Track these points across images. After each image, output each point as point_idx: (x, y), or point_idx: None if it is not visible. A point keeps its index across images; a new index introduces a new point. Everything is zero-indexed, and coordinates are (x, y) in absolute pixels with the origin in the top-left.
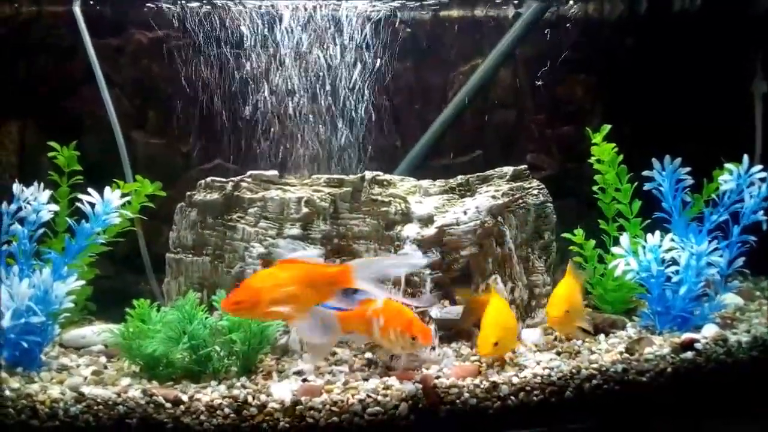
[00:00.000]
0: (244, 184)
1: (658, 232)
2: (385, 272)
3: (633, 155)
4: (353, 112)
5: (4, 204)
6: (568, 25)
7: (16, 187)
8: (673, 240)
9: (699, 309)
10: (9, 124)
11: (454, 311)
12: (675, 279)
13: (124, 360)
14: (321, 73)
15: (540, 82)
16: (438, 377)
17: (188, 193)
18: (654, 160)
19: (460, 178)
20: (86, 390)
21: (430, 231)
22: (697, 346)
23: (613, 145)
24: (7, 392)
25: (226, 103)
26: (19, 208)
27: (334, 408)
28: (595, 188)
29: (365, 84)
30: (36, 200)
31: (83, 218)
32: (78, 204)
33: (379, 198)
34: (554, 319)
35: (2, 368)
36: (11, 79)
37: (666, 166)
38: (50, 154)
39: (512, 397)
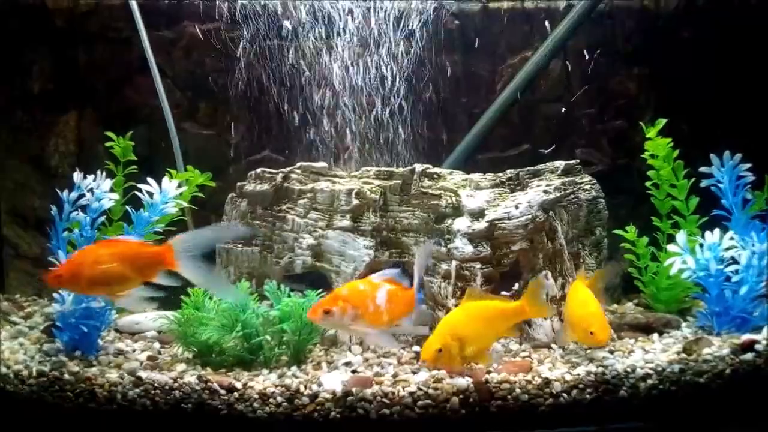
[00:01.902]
0: (293, 176)
1: (717, 230)
2: (208, 243)
3: (689, 150)
4: (401, 105)
5: (65, 191)
6: (621, 16)
7: (77, 176)
8: (732, 238)
9: (759, 310)
10: (67, 114)
11: None
12: (735, 279)
13: (177, 346)
14: (369, 66)
15: (591, 76)
16: (489, 372)
17: (239, 183)
18: (712, 155)
19: (510, 172)
20: (144, 374)
21: (481, 225)
22: (758, 347)
23: (669, 139)
24: (66, 375)
25: (275, 96)
26: (80, 196)
27: (384, 400)
28: (648, 184)
29: (413, 76)
30: (98, 188)
31: (137, 207)
32: (136, 193)
33: (430, 191)
34: (426, 359)
35: (62, 352)
36: (70, 70)
37: (725, 162)
38: (107, 144)
39: (564, 395)
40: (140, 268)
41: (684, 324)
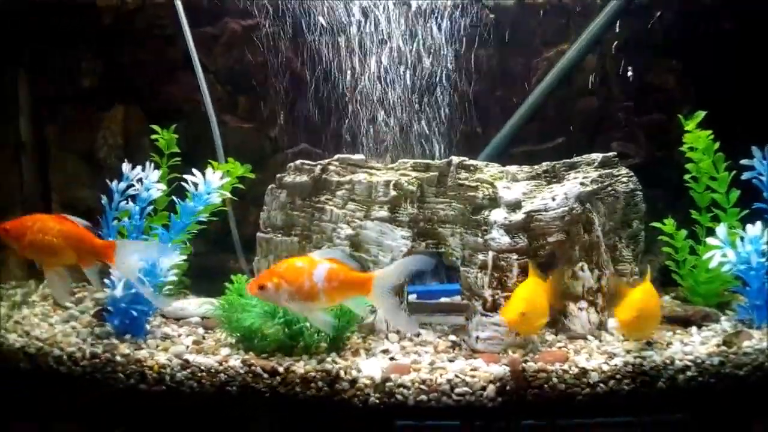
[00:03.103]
0: (331, 168)
1: (759, 223)
2: (145, 255)
3: (728, 143)
4: (436, 98)
5: (115, 182)
6: (659, 8)
7: (125, 167)
8: None
9: None
10: (115, 108)
11: None
12: None
13: (220, 331)
14: (405, 59)
15: (629, 69)
16: (525, 361)
17: (278, 175)
18: (754, 148)
19: (546, 165)
20: (190, 357)
21: (518, 216)
22: None
23: (710, 132)
24: (118, 357)
25: (312, 89)
26: (128, 186)
27: (422, 386)
28: (687, 177)
29: (448, 70)
30: (147, 178)
31: (180, 198)
32: (182, 183)
33: (466, 183)
34: (510, 321)
35: (113, 335)
36: (117, 66)
37: (767, 154)
38: (152, 137)
39: (602, 385)
40: (81, 251)
41: (723, 317)
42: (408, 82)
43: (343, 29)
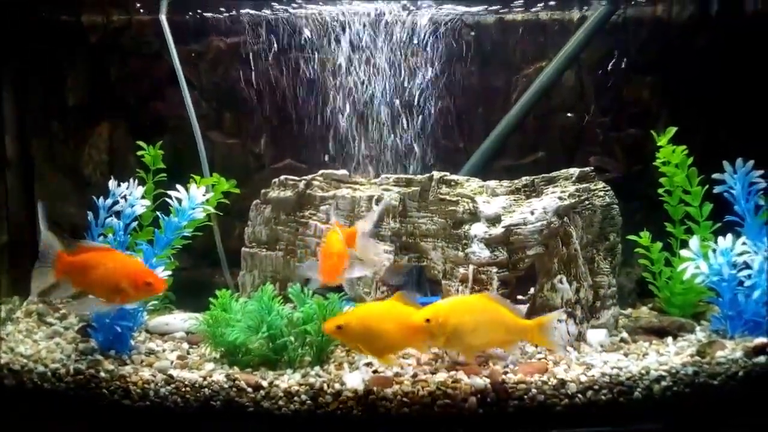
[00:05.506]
0: (315, 183)
1: (730, 235)
2: None
3: (702, 158)
4: (418, 115)
5: (101, 198)
6: (635, 26)
7: (112, 183)
8: (745, 243)
9: None
10: (101, 125)
11: None
12: (748, 283)
13: (205, 346)
14: (387, 76)
15: (605, 85)
16: (505, 373)
17: (263, 190)
18: (725, 162)
19: (525, 179)
20: (175, 373)
21: (498, 230)
22: None
23: (684, 147)
24: (102, 373)
25: (296, 106)
26: (114, 203)
27: (405, 399)
28: (661, 191)
29: (430, 87)
30: (131, 195)
31: (165, 213)
32: (166, 199)
33: (447, 197)
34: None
35: (97, 351)
36: (103, 83)
37: (738, 168)
38: (138, 153)
39: (580, 395)
40: None
41: (698, 328)
42: (390, 98)
43: (327, 47)
